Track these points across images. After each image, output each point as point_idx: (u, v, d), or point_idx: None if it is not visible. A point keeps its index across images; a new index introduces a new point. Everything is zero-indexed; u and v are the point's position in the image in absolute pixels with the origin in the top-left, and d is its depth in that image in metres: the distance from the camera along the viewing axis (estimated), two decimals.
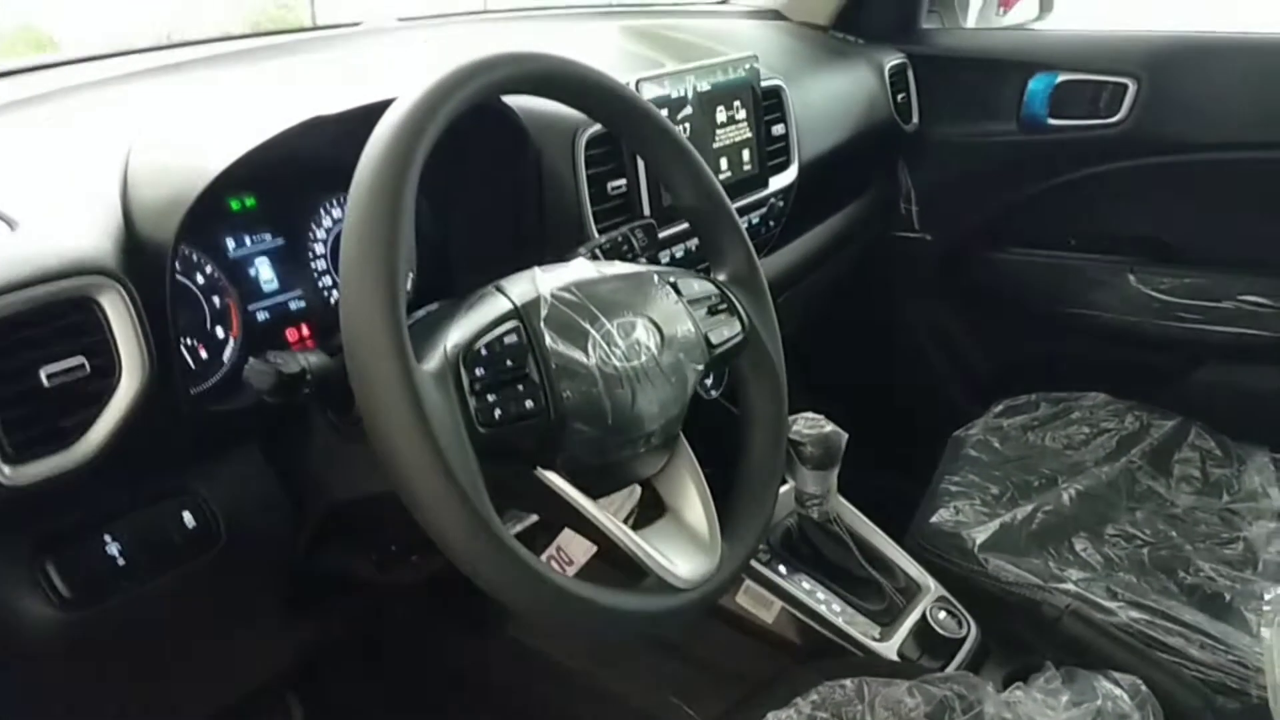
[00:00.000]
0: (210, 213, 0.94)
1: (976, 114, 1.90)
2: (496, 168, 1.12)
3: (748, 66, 1.36)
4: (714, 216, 0.97)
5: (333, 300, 1.06)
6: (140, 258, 0.81)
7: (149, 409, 0.79)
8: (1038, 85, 1.81)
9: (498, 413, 0.74)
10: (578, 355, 0.79)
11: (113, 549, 0.83)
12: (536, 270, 0.84)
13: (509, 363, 0.76)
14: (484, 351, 0.76)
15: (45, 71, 1.11)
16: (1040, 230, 1.95)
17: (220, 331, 0.97)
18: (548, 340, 0.79)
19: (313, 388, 0.78)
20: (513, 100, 1.07)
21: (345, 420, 0.84)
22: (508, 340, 0.77)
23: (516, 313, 0.79)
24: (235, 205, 0.99)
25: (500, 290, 0.81)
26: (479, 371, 0.75)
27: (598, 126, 1.14)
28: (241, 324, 0.98)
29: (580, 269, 0.86)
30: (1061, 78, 1.79)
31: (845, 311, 2.09)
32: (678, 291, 0.91)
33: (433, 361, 0.74)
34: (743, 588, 1.28)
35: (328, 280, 1.06)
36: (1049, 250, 1.94)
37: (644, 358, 0.83)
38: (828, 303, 1.97)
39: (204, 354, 0.95)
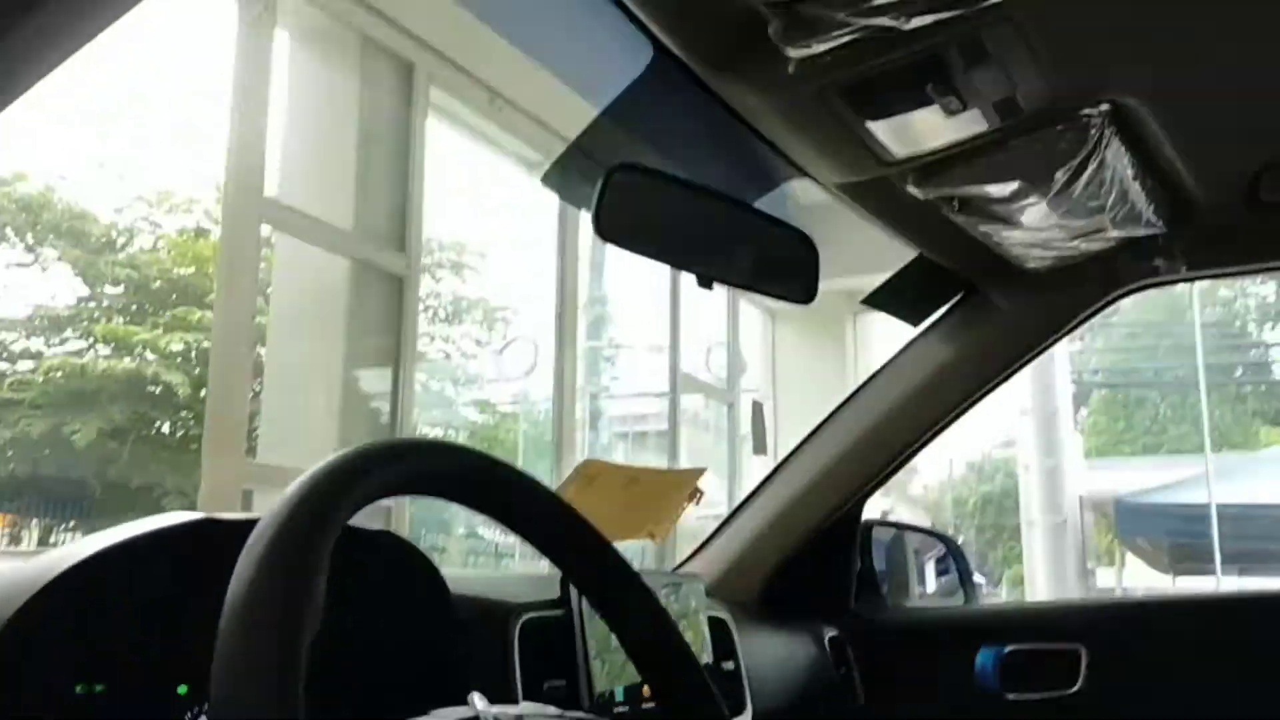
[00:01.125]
0: (48, 699, 0.73)
1: (925, 692, 1.74)
2: (409, 647, 0.92)
3: (694, 587, 1.24)
4: (678, 666, 0.78)
5: None
6: None
7: None
8: (985, 658, 1.69)
9: None
10: None
11: None
12: (475, 697, 0.63)
13: None
14: None
15: None
16: None
17: None
18: None
19: None
20: (441, 566, 0.92)
21: None
22: None
23: None
24: (80, 689, 0.77)
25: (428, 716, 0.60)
26: None
27: (535, 612, 0.98)
28: None
29: (530, 707, 0.66)
30: (1010, 648, 1.68)
31: None
32: None
33: None
34: None
35: None
36: None
37: None
38: None
39: None
